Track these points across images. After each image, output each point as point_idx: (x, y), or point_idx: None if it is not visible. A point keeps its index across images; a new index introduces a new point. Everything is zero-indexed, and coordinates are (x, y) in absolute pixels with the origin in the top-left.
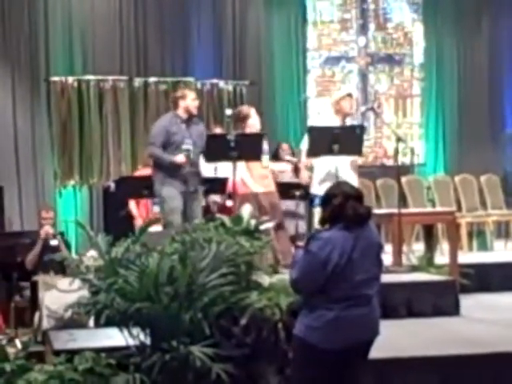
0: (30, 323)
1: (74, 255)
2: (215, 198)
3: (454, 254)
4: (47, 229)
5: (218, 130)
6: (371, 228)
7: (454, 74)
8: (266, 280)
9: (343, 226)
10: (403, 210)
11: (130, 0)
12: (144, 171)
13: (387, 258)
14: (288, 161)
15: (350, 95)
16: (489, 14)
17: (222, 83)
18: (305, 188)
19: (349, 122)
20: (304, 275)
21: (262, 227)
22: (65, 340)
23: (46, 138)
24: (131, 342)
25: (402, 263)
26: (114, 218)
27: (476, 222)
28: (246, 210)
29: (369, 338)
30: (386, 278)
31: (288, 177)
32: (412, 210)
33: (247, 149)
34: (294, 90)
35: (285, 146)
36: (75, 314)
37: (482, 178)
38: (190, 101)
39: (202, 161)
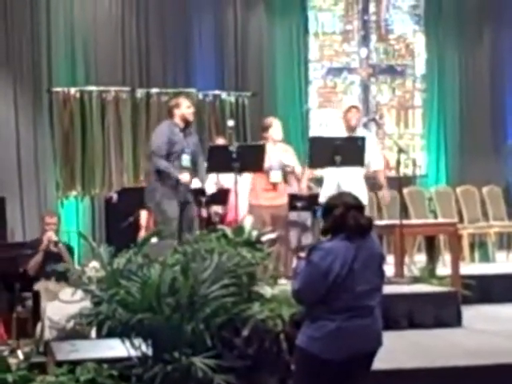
0: (32, 334)
1: (76, 261)
2: (217, 208)
3: (455, 266)
4: (50, 235)
5: (220, 141)
6: (373, 239)
7: (455, 85)
8: (267, 291)
9: (345, 236)
10: (405, 222)
11: (132, 11)
12: None
13: (389, 269)
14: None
15: (354, 107)
16: (490, 25)
17: (224, 94)
18: (307, 199)
19: (359, 133)
20: (305, 285)
21: (264, 238)
22: (67, 351)
23: (48, 148)
24: (133, 352)
25: (404, 274)
26: (116, 228)
27: (478, 234)
28: (248, 221)
29: (371, 348)
30: (387, 289)
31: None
32: (414, 221)
33: (249, 160)
34: (296, 101)
35: None
36: (77, 324)
37: (484, 190)
38: (185, 108)
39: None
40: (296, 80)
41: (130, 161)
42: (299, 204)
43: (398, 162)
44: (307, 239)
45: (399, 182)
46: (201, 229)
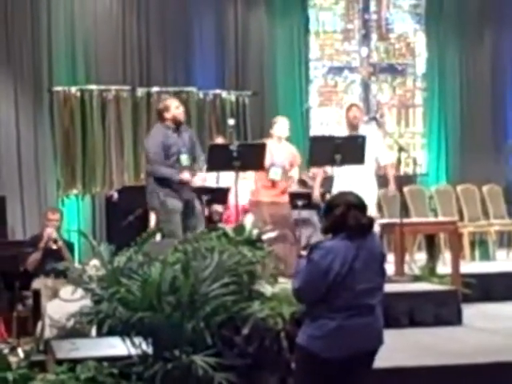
0: (32, 332)
1: (76, 259)
2: (217, 207)
3: (456, 264)
4: (50, 232)
5: (220, 140)
6: (374, 238)
7: (456, 84)
8: (268, 289)
9: (345, 235)
10: (405, 220)
11: (133, 10)
12: None
13: (389, 267)
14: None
15: (355, 105)
16: (491, 24)
17: (224, 93)
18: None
19: (360, 132)
20: (306, 284)
21: (265, 237)
22: (67, 349)
23: (49, 147)
24: (133, 351)
25: (404, 273)
26: (116, 227)
27: (478, 232)
28: (249, 220)
29: (372, 347)
30: (388, 288)
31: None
32: (414, 219)
33: (250, 159)
34: (297, 100)
35: None
36: (77, 323)
37: (484, 188)
38: (174, 109)
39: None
40: (297, 79)
41: (130, 159)
42: (300, 202)
43: (399, 161)
44: (317, 238)
45: (400, 181)
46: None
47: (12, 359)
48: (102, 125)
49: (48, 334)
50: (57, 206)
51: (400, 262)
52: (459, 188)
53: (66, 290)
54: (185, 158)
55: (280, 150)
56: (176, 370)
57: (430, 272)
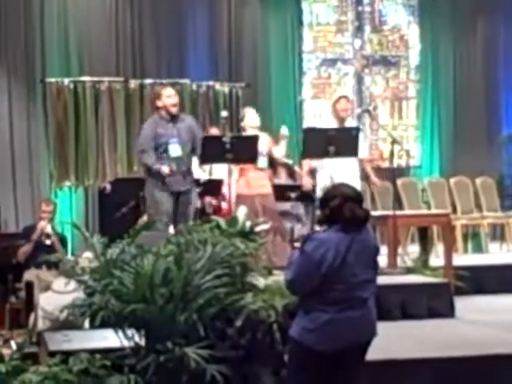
0: (25, 324)
1: (69, 251)
2: (210, 199)
3: (448, 256)
4: (43, 225)
5: (213, 132)
6: (368, 230)
7: (449, 77)
8: (261, 282)
9: (340, 227)
10: (398, 212)
11: (126, 1)
12: None
13: (382, 259)
14: (283, 164)
15: (344, 97)
16: (484, 16)
17: (217, 85)
18: (300, 190)
19: (348, 124)
20: (298, 276)
21: (258, 229)
22: (60, 341)
23: (42, 139)
24: (126, 343)
25: (397, 265)
26: (109, 219)
27: (471, 225)
28: (242, 212)
29: (365, 339)
30: (380, 280)
31: (283, 180)
32: (407, 212)
33: (243, 151)
34: (290, 92)
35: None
36: (70, 315)
37: (478, 181)
38: (165, 98)
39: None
40: (290, 71)
41: (123, 151)
42: (293, 195)
43: (392, 153)
44: (301, 230)
45: (393, 173)
46: (194, 219)
47: (5, 351)
48: (95, 117)
49: (41, 325)
50: (50, 197)
51: (393, 255)
52: (452, 180)
53: (59, 282)
54: (174, 149)
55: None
56: (169, 362)
57: (422, 264)
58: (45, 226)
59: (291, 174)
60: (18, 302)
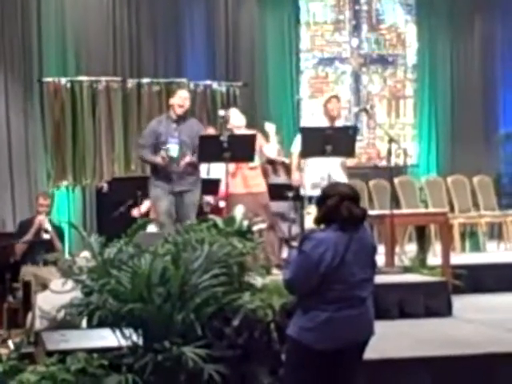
0: (22, 324)
1: (67, 251)
2: (208, 198)
3: (446, 255)
4: (41, 219)
5: (210, 131)
6: (365, 229)
7: (446, 75)
8: (258, 281)
9: (338, 226)
10: (396, 211)
11: (123, 1)
12: None
13: (380, 258)
14: (281, 163)
15: (335, 97)
16: (482, 14)
17: (215, 84)
18: (297, 189)
19: (340, 124)
20: (297, 275)
21: (255, 228)
22: (57, 341)
23: (39, 138)
24: (124, 342)
25: (395, 264)
26: (107, 218)
27: (468, 223)
28: (239, 211)
29: (363, 338)
30: (378, 279)
31: (282, 179)
32: (404, 210)
33: (240, 150)
34: (288, 91)
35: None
36: (68, 314)
37: (475, 179)
38: (176, 98)
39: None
40: (287, 70)
41: (121, 151)
42: (290, 194)
43: (389, 152)
44: (296, 230)
45: (390, 172)
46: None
47: (2, 351)
48: (93, 116)
49: (38, 325)
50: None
51: (390, 254)
52: (450, 179)
53: (57, 282)
54: (171, 149)
55: None
56: (166, 362)
57: (420, 263)
58: (43, 220)
59: (289, 172)
60: (15, 301)
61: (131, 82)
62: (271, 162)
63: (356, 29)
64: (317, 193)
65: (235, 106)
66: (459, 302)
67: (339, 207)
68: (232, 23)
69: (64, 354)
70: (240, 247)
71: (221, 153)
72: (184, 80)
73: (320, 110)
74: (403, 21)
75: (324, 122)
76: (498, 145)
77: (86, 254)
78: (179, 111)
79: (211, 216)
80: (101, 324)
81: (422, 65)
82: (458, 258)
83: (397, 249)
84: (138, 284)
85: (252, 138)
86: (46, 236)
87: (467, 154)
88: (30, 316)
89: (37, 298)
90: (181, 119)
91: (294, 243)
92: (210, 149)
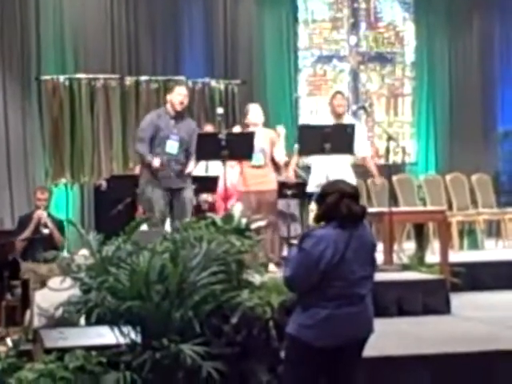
0: (21, 322)
1: (66, 237)
2: (206, 196)
3: (444, 253)
4: (40, 213)
5: (208, 129)
6: (365, 226)
7: (445, 73)
8: (257, 278)
9: (337, 224)
10: (394, 209)
11: None
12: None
13: (378, 256)
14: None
15: (339, 93)
16: (480, 12)
17: (213, 82)
18: (296, 187)
19: (346, 120)
20: (297, 273)
21: (253, 226)
22: (55, 338)
23: (38, 136)
24: (122, 340)
25: (393, 262)
26: (105, 216)
27: (467, 221)
28: (237, 209)
29: (362, 335)
30: (376, 277)
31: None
32: (403, 208)
33: (238, 148)
34: (286, 89)
35: None
36: (66, 312)
37: (473, 177)
38: (175, 95)
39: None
40: (285, 68)
41: (119, 148)
42: (289, 192)
43: (388, 150)
44: (296, 229)
45: (388, 170)
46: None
47: (0, 349)
48: (91, 114)
49: (36, 323)
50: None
51: (389, 251)
52: (448, 177)
53: (55, 280)
54: (171, 145)
55: (257, 137)
56: (164, 359)
57: (418, 261)
58: (41, 214)
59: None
60: (13, 299)
61: (129, 80)
62: (273, 161)
63: (354, 27)
64: None
65: (233, 103)
66: (457, 300)
67: (339, 205)
68: (230, 21)
69: (62, 352)
70: (238, 245)
71: (219, 151)
72: (182, 77)
73: (326, 108)
74: (401, 19)
75: (330, 120)
76: (497, 143)
77: (84, 251)
78: (179, 107)
79: (209, 214)
80: (99, 321)
81: (420, 63)
82: (457, 256)
83: (395, 246)
84: (136, 282)
85: (251, 136)
86: (45, 231)
87: (465, 151)
88: (28, 313)
89: (35, 295)
90: (179, 116)
91: (294, 241)
92: (208, 146)
